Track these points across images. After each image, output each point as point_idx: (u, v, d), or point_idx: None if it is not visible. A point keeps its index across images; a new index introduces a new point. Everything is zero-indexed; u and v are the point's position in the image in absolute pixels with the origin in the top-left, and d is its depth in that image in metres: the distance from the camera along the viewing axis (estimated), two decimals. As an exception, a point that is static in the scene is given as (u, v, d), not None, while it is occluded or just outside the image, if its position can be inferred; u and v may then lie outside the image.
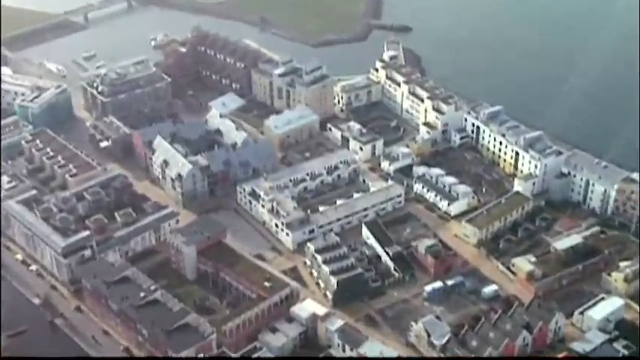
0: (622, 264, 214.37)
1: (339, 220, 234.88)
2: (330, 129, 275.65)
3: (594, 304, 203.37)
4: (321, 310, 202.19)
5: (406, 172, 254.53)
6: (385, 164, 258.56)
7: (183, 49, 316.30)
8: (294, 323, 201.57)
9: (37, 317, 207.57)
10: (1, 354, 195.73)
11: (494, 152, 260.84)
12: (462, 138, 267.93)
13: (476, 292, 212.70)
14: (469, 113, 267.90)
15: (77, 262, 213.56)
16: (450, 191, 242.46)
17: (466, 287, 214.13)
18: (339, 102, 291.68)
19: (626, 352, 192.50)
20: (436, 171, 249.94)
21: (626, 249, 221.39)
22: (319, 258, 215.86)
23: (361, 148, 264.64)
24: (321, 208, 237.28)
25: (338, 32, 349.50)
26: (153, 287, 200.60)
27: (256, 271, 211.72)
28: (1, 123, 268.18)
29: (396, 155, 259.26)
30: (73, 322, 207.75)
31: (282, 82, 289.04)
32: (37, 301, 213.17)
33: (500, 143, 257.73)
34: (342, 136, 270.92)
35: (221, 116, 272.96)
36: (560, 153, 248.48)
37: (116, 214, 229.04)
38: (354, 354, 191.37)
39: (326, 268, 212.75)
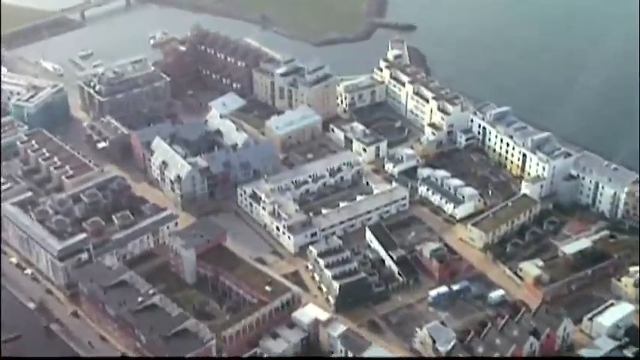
0: (632, 269, 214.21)
1: (341, 223, 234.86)
2: (332, 130, 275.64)
3: (604, 310, 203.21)
4: (323, 316, 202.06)
5: (411, 174, 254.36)
6: (389, 166, 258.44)
7: (182, 48, 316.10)
8: (295, 329, 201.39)
9: (32, 322, 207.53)
10: (0, 354, 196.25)
11: (501, 154, 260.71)
12: (468, 139, 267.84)
13: (482, 297, 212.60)
14: (475, 114, 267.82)
15: (73, 265, 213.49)
16: (455, 194, 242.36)
17: (472, 292, 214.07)
18: (342, 102, 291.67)
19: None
20: (441, 173, 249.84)
21: (637, 253, 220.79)
22: (321, 262, 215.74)
23: (365, 150, 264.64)
24: (323, 211, 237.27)
25: (341, 31, 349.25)
26: (151, 292, 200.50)
27: (257, 275, 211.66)
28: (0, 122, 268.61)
29: (401, 157, 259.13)
30: (69, 328, 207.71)
31: (284, 82, 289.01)
32: (32, 305, 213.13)
33: (508, 145, 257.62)
34: (345, 137, 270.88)
35: (221, 117, 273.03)
36: (568, 155, 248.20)
37: (114, 216, 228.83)
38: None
39: (328, 273, 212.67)
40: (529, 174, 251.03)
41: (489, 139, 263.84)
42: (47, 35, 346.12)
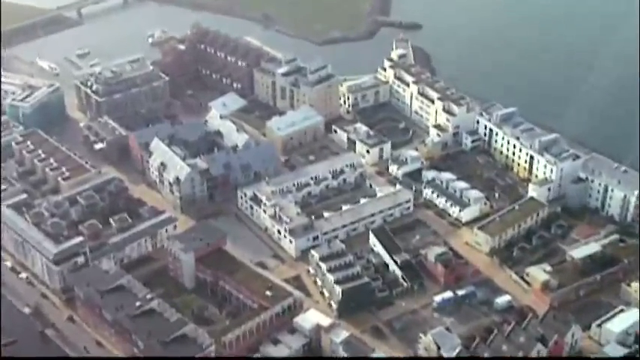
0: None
1: (344, 226, 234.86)
2: (335, 131, 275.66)
3: (613, 316, 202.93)
4: (325, 321, 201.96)
5: (415, 176, 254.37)
6: (393, 168, 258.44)
7: (182, 47, 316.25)
8: (296, 334, 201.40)
9: (27, 327, 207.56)
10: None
11: (507, 156, 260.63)
12: (473, 141, 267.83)
13: (488, 302, 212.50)
14: (481, 115, 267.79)
15: (69, 269, 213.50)
16: (461, 197, 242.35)
17: (478, 298, 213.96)
18: (345, 103, 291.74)
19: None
20: (447, 175, 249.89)
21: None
22: (324, 266, 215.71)
23: (368, 151, 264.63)
24: (325, 214, 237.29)
25: (344, 30, 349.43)
26: (149, 296, 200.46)
27: (257, 280, 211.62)
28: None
29: (405, 159, 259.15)
30: (65, 333, 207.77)
31: (286, 82, 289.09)
32: (27, 310, 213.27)
33: (514, 146, 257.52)
34: (348, 139, 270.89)
35: (221, 117, 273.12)
36: (577, 157, 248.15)
37: (111, 219, 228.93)
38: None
39: (331, 277, 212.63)
40: (536, 176, 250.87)
41: (496, 141, 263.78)
42: (43, 33, 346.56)
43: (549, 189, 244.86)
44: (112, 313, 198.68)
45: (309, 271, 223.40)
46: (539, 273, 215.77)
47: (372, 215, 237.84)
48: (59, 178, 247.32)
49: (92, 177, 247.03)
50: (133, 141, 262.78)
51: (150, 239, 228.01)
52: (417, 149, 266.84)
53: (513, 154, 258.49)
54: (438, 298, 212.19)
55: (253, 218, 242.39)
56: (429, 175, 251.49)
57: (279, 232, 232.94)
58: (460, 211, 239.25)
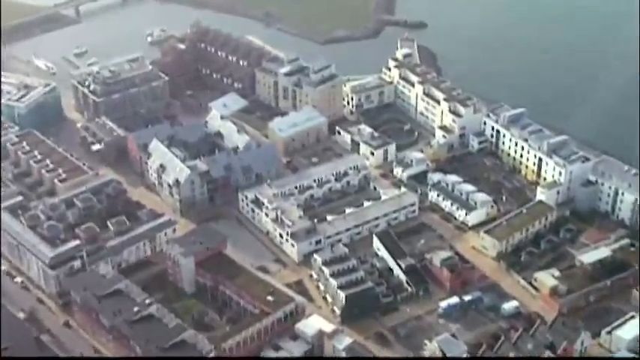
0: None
1: (348, 230, 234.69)
2: (339, 132, 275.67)
3: (623, 323, 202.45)
4: (328, 327, 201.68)
5: (420, 179, 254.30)
6: (398, 170, 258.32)
7: (181, 46, 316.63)
8: (299, 341, 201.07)
9: (22, 333, 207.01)
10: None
11: (515, 158, 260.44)
12: (480, 143, 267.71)
13: (495, 308, 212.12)
14: (488, 116, 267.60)
15: (66, 273, 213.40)
16: (467, 200, 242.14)
17: (484, 303, 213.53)
18: (348, 103, 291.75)
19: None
20: (453, 178, 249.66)
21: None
22: (326, 271, 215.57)
23: (372, 153, 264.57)
24: (328, 218, 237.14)
25: (348, 28, 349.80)
26: (147, 301, 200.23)
27: (259, 285, 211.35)
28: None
29: (410, 161, 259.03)
30: (61, 339, 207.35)
31: (288, 82, 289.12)
32: (21, 315, 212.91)
33: (522, 148, 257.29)
34: (351, 140, 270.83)
35: (222, 118, 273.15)
36: (586, 159, 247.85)
37: (108, 222, 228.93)
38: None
39: (334, 282, 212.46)
40: (545, 179, 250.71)
41: (503, 143, 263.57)
42: (40, 32, 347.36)
43: (558, 192, 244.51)
44: (110, 318, 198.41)
45: (311, 275, 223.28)
46: (547, 278, 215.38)
47: (376, 219, 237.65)
48: (55, 180, 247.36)
49: (89, 179, 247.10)
50: (131, 142, 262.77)
51: (148, 243, 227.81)
52: (422, 151, 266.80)
53: (521, 156, 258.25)
54: (443, 304, 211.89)
55: (254, 221, 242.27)
56: (434, 177, 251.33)
57: (280, 235, 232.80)
58: (466, 214, 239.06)
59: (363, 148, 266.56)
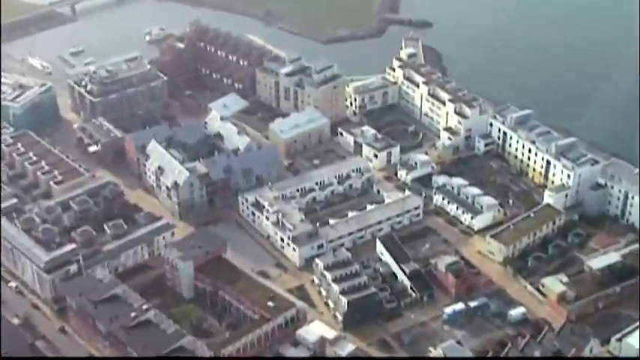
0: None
1: (350, 234, 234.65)
2: (341, 134, 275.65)
3: (633, 330, 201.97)
4: (330, 334, 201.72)
5: (425, 181, 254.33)
6: (402, 173, 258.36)
7: (180, 45, 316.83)
8: (300, 347, 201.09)
9: (16, 339, 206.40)
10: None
11: (522, 161, 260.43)
12: (486, 145, 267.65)
13: (501, 315, 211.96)
14: (495, 117, 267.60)
15: (61, 278, 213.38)
16: (473, 203, 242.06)
17: (490, 309, 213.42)
18: (351, 104, 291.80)
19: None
20: (458, 181, 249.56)
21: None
22: (329, 276, 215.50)
23: (376, 156, 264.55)
24: (331, 221, 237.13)
25: (351, 27, 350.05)
26: (145, 307, 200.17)
27: (259, 290, 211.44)
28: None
29: (414, 163, 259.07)
30: (56, 345, 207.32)
31: (290, 82, 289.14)
32: (16, 321, 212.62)
33: (530, 151, 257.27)
34: (354, 142, 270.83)
35: (222, 119, 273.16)
36: (595, 162, 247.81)
37: (105, 225, 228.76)
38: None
39: (336, 287, 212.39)
40: (553, 182, 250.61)
41: (510, 145, 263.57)
42: (35, 30, 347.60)
43: (566, 195, 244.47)
44: (106, 324, 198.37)
45: (313, 280, 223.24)
46: (555, 284, 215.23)
47: (380, 222, 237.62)
48: (51, 182, 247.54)
49: (86, 181, 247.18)
50: (129, 143, 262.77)
51: (146, 247, 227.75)
52: (427, 153, 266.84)
53: (528, 158, 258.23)
54: (448, 310, 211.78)
55: (255, 225, 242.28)
56: (439, 180, 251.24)
57: (282, 239, 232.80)
58: (472, 218, 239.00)
59: (366, 150, 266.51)
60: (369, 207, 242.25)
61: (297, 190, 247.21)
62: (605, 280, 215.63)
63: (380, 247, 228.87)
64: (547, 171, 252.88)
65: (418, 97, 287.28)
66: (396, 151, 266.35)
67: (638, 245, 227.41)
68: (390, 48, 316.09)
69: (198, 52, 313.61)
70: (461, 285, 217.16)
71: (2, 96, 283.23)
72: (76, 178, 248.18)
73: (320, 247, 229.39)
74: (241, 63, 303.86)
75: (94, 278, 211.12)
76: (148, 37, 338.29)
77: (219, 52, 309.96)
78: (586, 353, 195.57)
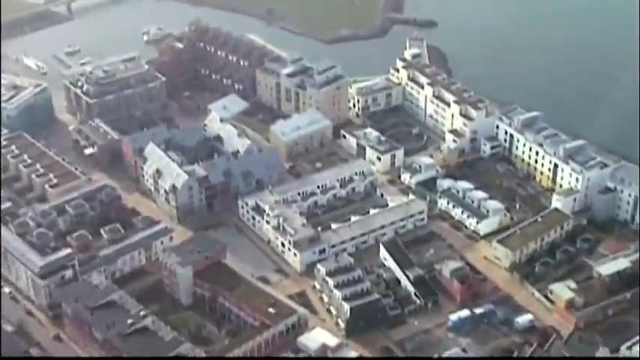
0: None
1: (353, 239, 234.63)
2: (344, 136, 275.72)
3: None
4: (332, 341, 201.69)
5: (429, 185, 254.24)
6: (406, 176, 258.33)
7: (179, 45, 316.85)
8: (301, 355, 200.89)
9: (10, 347, 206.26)
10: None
11: (529, 164, 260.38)
12: (493, 147, 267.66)
13: (508, 322, 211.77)
14: (501, 119, 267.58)
15: (57, 284, 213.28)
16: (479, 208, 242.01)
17: (497, 317, 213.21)
18: (354, 106, 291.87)
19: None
20: (463, 185, 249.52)
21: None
22: (331, 281, 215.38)
23: (379, 158, 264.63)
24: (333, 226, 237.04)
25: (354, 27, 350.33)
26: (142, 313, 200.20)
27: (259, 296, 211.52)
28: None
29: (419, 166, 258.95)
30: (51, 353, 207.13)
31: (291, 83, 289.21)
32: (9, 328, 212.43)
33: (537, 154, 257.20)
34: (357, 145, 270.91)
35: (221, 121, 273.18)
36: (605, 165, 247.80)
37: (102, 230, 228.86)
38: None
39: (338, 293, 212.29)
40: (561, 186, 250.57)
41: (517, 148, 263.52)
42: (30, 29, 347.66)
43: (575, 200, 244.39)
44: (103, 331, 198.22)
45: (314, 286, 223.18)
46: (563, 290, 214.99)
47: (383, 227, 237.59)
48: (46, 186, 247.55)
49: (82, 184, 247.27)
50: (126, 146, 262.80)
51: (144, 252, 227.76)
52: (431, 156, 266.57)
53: (536, 161, 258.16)
54: (453, 317, 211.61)
55: (255, 229, 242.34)
56: (444, 184, 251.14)
57: (282, 244, 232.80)
58: (478, 223, 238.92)
59: (370, 153, 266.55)
60: (372, 211, 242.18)
61: (299, 194, 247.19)
62: (615, 286, 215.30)
63: (383, 253, 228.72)
64: (555, 174, 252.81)
65: (423, 99, 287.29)
66: (399, 153, 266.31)
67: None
68: (394, 48, 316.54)
69: (197, 52, 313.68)
70: (466, 291, 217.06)
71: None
72: (71, 182, 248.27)
73: (322, 252, 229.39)
74: (241, 63, 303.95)
75: (90, 284, 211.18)
76: (145, 37, 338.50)
77: (218, 52, 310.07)
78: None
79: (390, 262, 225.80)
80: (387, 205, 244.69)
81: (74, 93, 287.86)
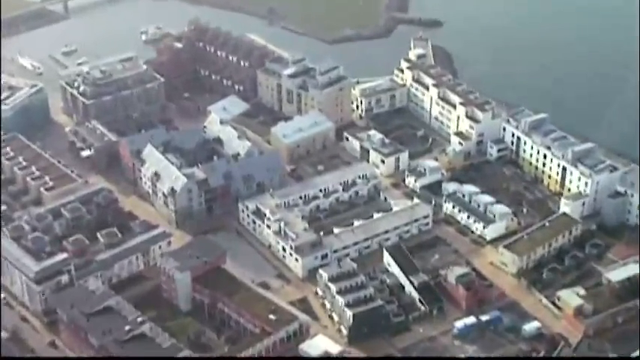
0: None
1: (356, 243, 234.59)
2: (347, 139, 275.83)
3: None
4: (334, 348, 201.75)
5: (434, 189, 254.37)
6: (410, 180, 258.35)
7: (178, 45, 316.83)
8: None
9: (4, 353, 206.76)
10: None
11: (537, 167, 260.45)
12: (499, 150, 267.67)
13: (515, 329, 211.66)
14: (508, 122, 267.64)
15: (52, 289, 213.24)
16: (485, 212, 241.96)
17: (503, 324, 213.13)
18: (357, 107, 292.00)
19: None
20: (469, 188, 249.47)
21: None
22: (333, 287, 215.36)
23: (383, 161, 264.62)
24: (335, 230, 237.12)
25: (357, 27, 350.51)
26: (140, 319, 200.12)
27: (260, 302, 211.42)
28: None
29: (423, 170, 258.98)
30: None
31: (293, 84, 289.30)
32: (4, 334, 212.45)
33: (545, 157, 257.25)
34: (360, 147, 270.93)
35: (221, 122, 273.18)
36: (614, 169, 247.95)
37: (98, 234, 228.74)
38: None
39: (341, 300, 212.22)
40: (569, 190, 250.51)
41: (524, 151, 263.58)
42: (25, 29, 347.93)
43: (583, 204, 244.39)
44: (99, 337, 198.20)
45: (316, 292, 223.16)
46: (571, 297, 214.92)
47: (387, 232, 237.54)
48: (42, 189, 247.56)
49: (78, 187, 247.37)
50: (123, 148, 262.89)
51: (141, 256, 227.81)
52: (436, 159, 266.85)
53: (544, 165, 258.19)
54: (459, 324, 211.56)
55: (256, 234, 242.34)
56: (449, 187, 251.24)
57: (284, 249, 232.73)
58: (484, 227, 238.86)
59: (373, 156, 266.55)
60: (375, 215, 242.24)
61: (300, 198, 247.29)
62: (625, 293, 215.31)
63: (387, 258, 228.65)
64: (563, 178, 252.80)
65: (428, 100, 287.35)
66: (404, 156, 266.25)
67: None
68: (399, 48, 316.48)
69: (196, 52, 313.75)
70: (472, 298, 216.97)
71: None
72: (67, 184, 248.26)
73: (324, 257, 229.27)
74: (242, 64, 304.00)
75: (87, 289, 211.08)
76: (144, 37, 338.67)
77: (218, 53, 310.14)
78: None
79: (394, 268, 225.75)
80: (390, 209, 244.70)
81: (70, 94, 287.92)
